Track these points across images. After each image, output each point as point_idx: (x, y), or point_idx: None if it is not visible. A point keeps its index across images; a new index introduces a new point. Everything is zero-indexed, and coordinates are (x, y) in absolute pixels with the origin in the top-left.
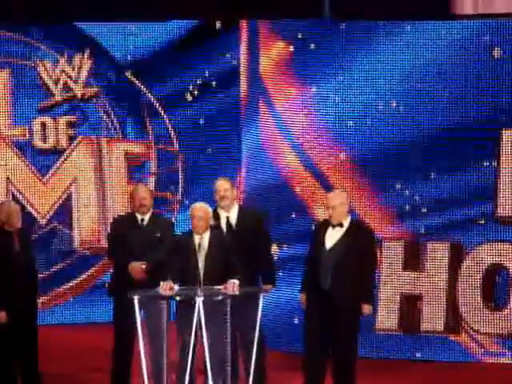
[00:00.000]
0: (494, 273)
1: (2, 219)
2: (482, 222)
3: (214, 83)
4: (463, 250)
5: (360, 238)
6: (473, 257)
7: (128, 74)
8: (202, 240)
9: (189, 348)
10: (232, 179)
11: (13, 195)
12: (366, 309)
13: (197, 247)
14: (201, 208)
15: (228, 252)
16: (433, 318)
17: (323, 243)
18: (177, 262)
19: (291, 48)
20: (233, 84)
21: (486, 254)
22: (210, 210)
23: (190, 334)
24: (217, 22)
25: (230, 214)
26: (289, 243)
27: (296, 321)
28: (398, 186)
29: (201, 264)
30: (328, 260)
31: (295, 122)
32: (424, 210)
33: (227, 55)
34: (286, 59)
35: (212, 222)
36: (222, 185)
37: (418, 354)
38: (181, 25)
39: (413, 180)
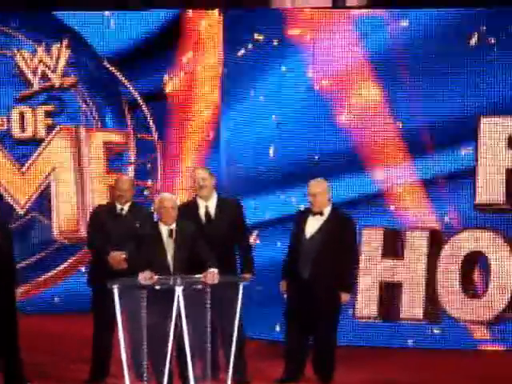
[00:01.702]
0: (472, 260)
1: None
2: (461, 209)
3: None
4: (442, 238)
5: (340, 226)
6: (452, 244)
7: (106, 63)
8: (171, 231)
9: (167, 337)
10: (211, 169)
11: None
12: (344, 297)
13: (165, 237)
14: (171, 198)
15: (195, 240)
16: (412, 306)
17: (303, 232)
18: (144, 255)
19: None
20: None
21: (465, 242)
22: (177, 199)
23: (162, 323)
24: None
25: (209, 204)
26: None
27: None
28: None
29: (170, 254)
30: (308, 249)
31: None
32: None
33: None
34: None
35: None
36: (201, 174)
37: (398, 342)
38: (159, 14)
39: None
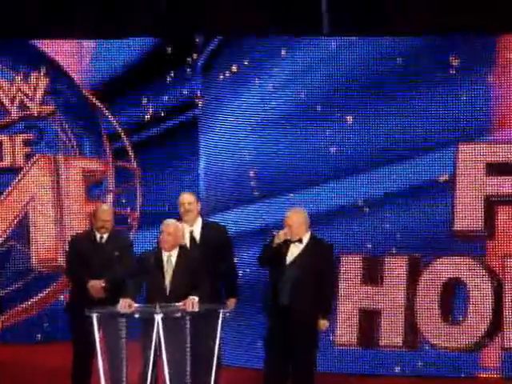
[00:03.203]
0: (451, 287)
1: None
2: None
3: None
4: (421, 264)
5: (319, 253)
6: (430, 271)
7: (85, 91)
8: (170, 257)
9: (149, 365)
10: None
11: None
12: (322, 324)
13: (165, 264)
14: (171, 224)
15: (195, 270)
16: (391, 333)
17: (284, 258)
18: (139, 281)
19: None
20: (191, 105)
21: (444, 268)
22: (181, 227)
23: (150, 351)
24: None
25: (194, 228)
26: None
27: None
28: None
29: (167, 281)
30: (287, 276)
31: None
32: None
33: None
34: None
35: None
36: (187, 198)
37: (378, 369)
38: (140, 42)
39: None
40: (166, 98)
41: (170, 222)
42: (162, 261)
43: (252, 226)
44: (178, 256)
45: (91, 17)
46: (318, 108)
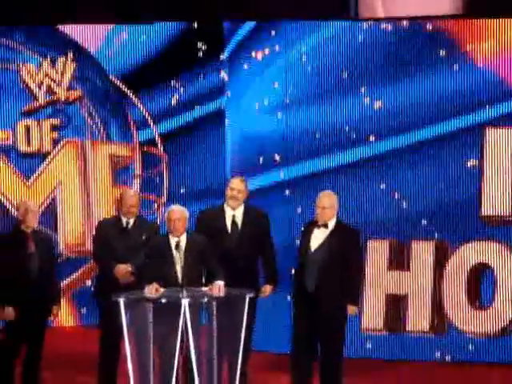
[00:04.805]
0: (479, 272)
1: (19, 218)
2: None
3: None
4: (448, 249)
5: (345, 238)
6: (458, 256)
7: (112, 77)
8: (180, 242)
9: (174, 351)
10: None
11: None
12: (351, 310)
13: (174, 249)
14: (178, 210)
15: (205, 254)
16: (418, 318)
17: (308, 244)
18: (152, 267)
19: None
20: (219, 92)
21: (471, 253)
22: (187, 212)
23: (171, 337)
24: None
25: (236, 213)
26: None
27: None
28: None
29: (179, 266)
30: (312, 262)
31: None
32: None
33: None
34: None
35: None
36: (237, 185)
37: (404, 354)
38: (168, 29)
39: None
40: (193, 85)
41: (176, 208)
42: (171, 247)
43: (279, 212)
44: (188, 241)
45: (119, 2)
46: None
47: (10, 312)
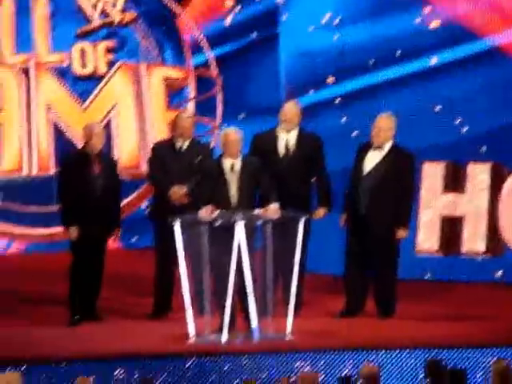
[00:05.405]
0: None
1: (84, 140)
2: None
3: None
4: (504, 171)
5: (399, 162)
6: None
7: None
8: (234, 164)
9: (229, 273)
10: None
11: (53, 123)
12: (401, 233)
13: (229, 172)
14: (233, 132)
15: (260, 177)
16: (474, 239)
17: (362, 166)
18: (207, 189)
19: None
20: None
21: None
22: (242, 134)
23: (226, 258)
24: None
25: (289, 137)
26: None
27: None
28: None
29: (232, 188)
30: (365, 184)
31: None
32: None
33: None
34: None
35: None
36: (290, 109)
37: (459, 275)
38: None
39: None
40: (249, 8)
41: (231, 131)
42: (226, 168)
43: (333, 133)
44: (242, 164)
45: None
46: None
47: (74, 232)
